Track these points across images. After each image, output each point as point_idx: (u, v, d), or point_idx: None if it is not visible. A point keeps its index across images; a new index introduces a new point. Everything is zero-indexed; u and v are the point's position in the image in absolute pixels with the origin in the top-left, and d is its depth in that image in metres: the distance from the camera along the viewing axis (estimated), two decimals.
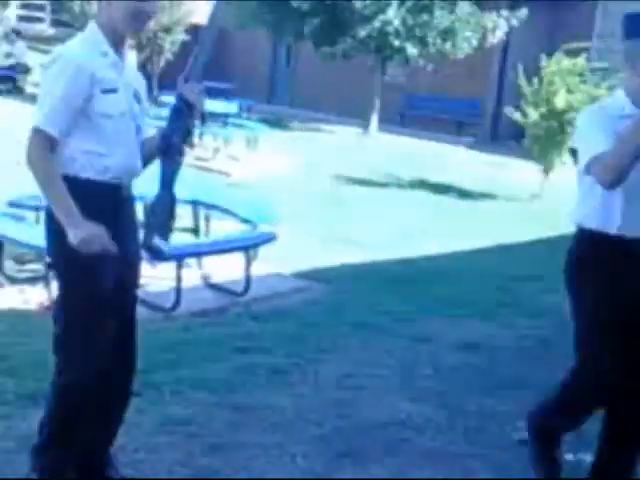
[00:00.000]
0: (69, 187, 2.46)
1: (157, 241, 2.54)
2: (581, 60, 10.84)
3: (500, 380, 4.11)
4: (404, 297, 5.73)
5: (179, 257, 5.04)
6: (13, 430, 3.14)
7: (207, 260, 5.92)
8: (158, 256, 2.59)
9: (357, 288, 5.97)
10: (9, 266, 5.75)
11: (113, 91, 2.53)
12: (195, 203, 6.45)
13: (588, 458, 3.05)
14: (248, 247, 5.64)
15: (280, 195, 8.71)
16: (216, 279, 5.83)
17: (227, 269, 5.82)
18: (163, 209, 2.61)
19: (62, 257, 2.55)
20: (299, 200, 9.37)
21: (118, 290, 2.59)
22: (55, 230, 2.49)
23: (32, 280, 5.46)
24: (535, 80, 10.99)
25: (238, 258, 5.72)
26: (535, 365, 4.34)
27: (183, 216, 6.42)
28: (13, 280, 5.57)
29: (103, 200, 2.54)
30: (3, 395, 3.50)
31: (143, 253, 2.69)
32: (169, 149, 2.60)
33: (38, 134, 2.45)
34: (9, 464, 2.87)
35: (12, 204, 6.07)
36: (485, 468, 3.12)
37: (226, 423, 3.41)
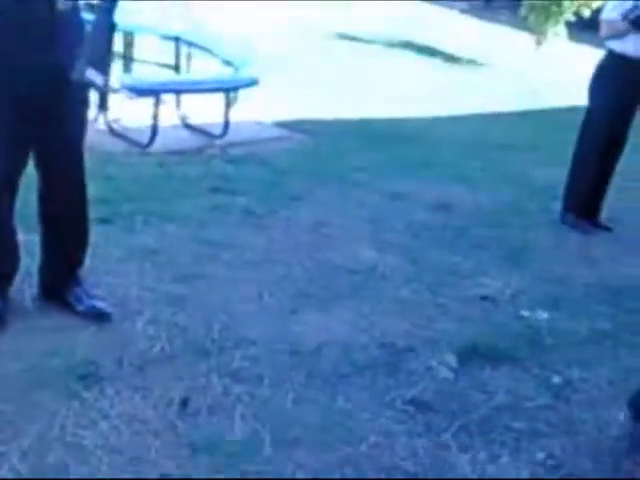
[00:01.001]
0: None
1: (90, 72, 2.31)
2: None
3: (468, 239, 4.18)
4: (383, 155, 5.71)
5: (157, 92, 4.92)
6: None
7: (186, 100, 5.80)
8: (97, 89, 2.44)
9: (337, 142, 5.92)
10: None
11: None
12: (177, 39, 6.24)
13: None
14: (229, 89, 5.51)
15: (264, 45, 8.46)
16: (194, 121, 5.73)
17: (206, 111, 5.71)
18: (100, 38, 2.36)
19: None
20: (284, 51, 9.12)
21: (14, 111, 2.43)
22: None
23: None
24: None
25: (218, 101, 5.61)
26: (504, 228, 4.41)
27: (165, 52, 6.24)
28: None
29: None
30: None
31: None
32: None
33: None
34: None
35: None
36: (445, 318, 3.21)
37: (195, 256, 3.45)
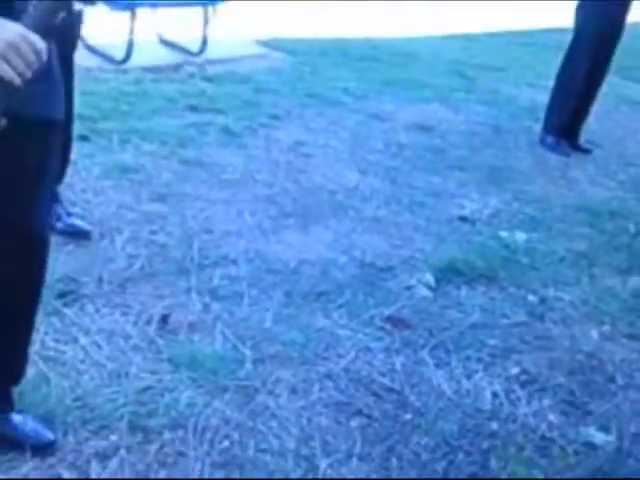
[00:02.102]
0: None
1: None
2: None
3: (448, 161, 4.17)
4: (364, 75, 5.63)
5: (133, 6, 4.79)
6: None
7: (163, 15, 5.65)
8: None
9: (317, 61, 5.82)
10: None
11: None
12: None
13: None
14: (207, 3, 5.37)
15: None
16: (171, 37, 5.60)
17: (183, 28, 5.57)
18: None
19: None
20: None
21: None
22: None
23: None
24: None
25: (196, 16, 5.47)
26: (484, 150, 4.40)
27: None
28: None
29: None
30: None
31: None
32: None
33: None
34: None
35: None
36: (424, 238, 3.23)
37: (174, 174, 3.42)
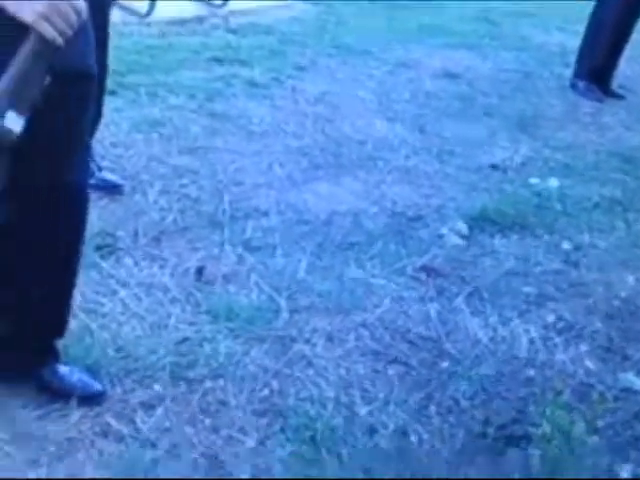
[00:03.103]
0: None
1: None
2: None
3: (477, 108, 4.11)
4: (390, 23, 5.55)
5: None
6: None
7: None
8: None
9: (342, 10, 5.74)
10: None
11: None
12: None
13: None
14: None
15: None
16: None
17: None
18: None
19: None
20: None
21: None
22: None
23: None
24: None
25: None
26: (514, 96, 4.33)
27: None
28: None
29: None
30: None
31: None
32: None
33: None
34: None
35: None
36: (455, 187, 3.20)
37: (203, 128, 3.41)
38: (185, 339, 2.05)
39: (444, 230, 2.83)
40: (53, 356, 1.77)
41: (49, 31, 1.33)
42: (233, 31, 4.97)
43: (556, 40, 5.45)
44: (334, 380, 2.00)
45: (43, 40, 1.34)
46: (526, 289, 2.52)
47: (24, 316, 1.71)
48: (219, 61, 4.30)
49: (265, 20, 5.28)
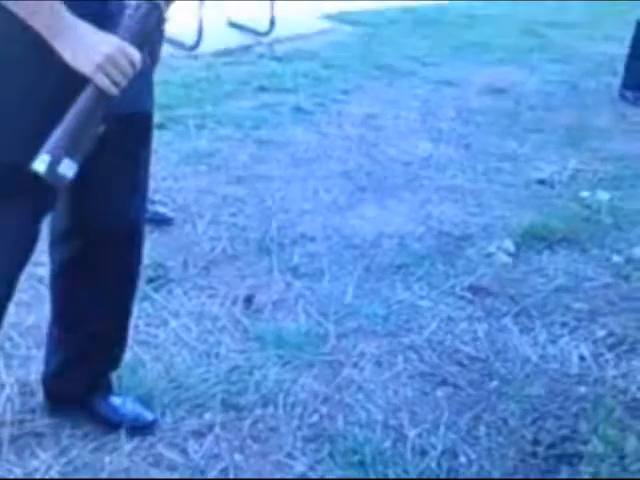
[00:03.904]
0: None
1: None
2: None
3: (523, 123, 4.10)
4: (433, 41, 5.58)
5: None
6: None
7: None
8: None
9: (385, 31, 5.79)
10: None
11: None
12: None
13: None
14: None
15: None
16: (239, 19, 5.65)
17: (251, 9, 5.62)
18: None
19: None
20: None
21: None
22: None
23: None
24: None
25: None
26: (561, 109, 4.31)
27: None
28: None
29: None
30: None
31: None
32: None
33: None
34: None
35: None
36: (502, 204, 3.20)
37: (250, 156, 3.48)
38: (235, 367, 2.10)
39: (492, 249, 2.82)
40: (107, 387, 1.83)
41: (105, 82, 1.38)
42: (278, 59, 5.06)
43: (602, 50, 5.40)
44: (382, 404, 2.02)
45: (99, 90, 1.39)
46: (576, 305, 2.49)
47: (82, 350, 1.78)
48: (265, 89, 4.38)
49: (309, 46, 5.37)
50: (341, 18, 6.03)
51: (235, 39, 5.44)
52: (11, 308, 2.28)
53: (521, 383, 2.12)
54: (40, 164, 1.36)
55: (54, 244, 1.73)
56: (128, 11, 1.44)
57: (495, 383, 2.13)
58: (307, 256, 2.71)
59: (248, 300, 2.42)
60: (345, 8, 6.22)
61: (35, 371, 2.00)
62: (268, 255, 2.70)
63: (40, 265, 2.52)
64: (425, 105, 4.33)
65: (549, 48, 5.52)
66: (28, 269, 2.49)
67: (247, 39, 5.45)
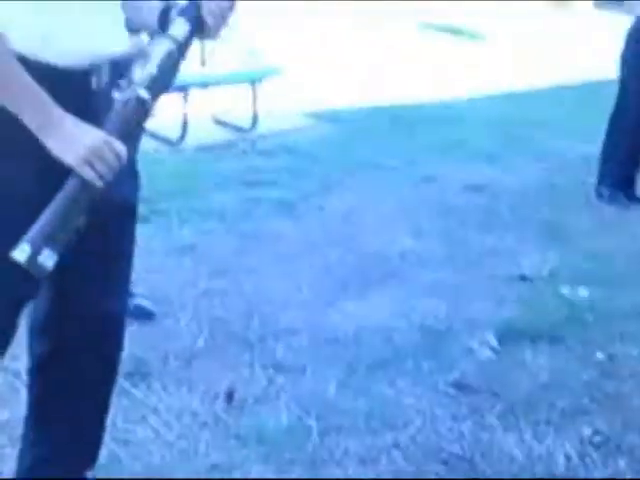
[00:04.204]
0: None
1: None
2: None
3: (503, 220, 4.16)
4: (411, 139, 5.71)
5: (185, 88, 4.97)
6: None
7: (214, 95, 5.85)
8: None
9: (366, 129, 5.93)
10: None
11: None
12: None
13: None
14: (254, 79, 5.55)
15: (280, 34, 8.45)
16: (223, 115, 5.77)
17: (233, 105, 5.75)
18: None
19: None
20: (302, 38, 9.11)
21: None
22: None
23: None
24: None
25: (244, 94, 5.64)
26: (539, 207, 4.38)
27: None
28: None
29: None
30: None
31: None
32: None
33: None
34: None
35: None
36: (483, 299, 3.21)
37: (233, 249, 3.50)
38: (215, 465, 2.04)
39: (474, 344, 2.81)
40: None
41: (90, 175, 1.39)
42: (262, 153, 5.15)
43: (577, 148, 5.54)
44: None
45: (83, 182, 1.41)
46: (560, 402, 2.47)
47: (57, 447, 1.72)
48: (249, 184, 4.43)
49: (292, 140, 5.47)
50: (322, 115, 6.18)
51: (219, 134, 5.54)
52: None
53: None
54: (20, 253, 1.37)
55: (33, 336, 1.70)
56: (116, 106, 1.47)
57: None
58: (289, 350, 2.69)
59: (229, 395, 2.38)
60: (325, 106, 6.38)
61: (8, 469, 1.94)
62: (250, 349, 2.67)
63: (16, 359, 2.48)
64: (405, 201, 4.39)
65: (524, 147, 5.66)
66: (4, 363, 2.45)
67: (231, 134, 5.55)
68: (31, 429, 1.75)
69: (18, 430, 2.05)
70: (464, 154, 5.35)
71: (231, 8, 1.60)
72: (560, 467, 2.16)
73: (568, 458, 2.20)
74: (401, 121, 6.18)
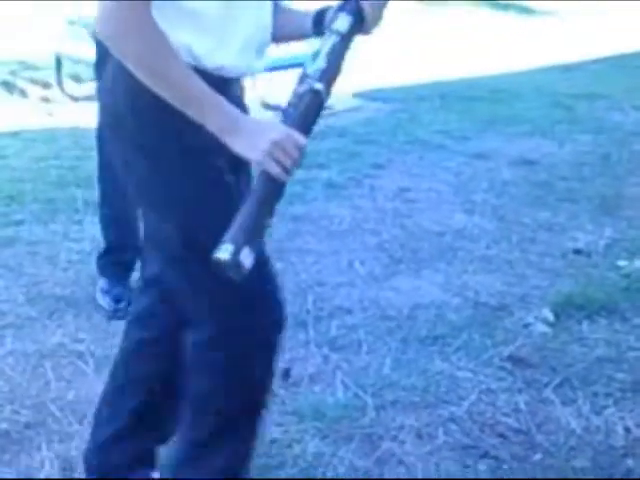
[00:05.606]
0: None
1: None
2: None
3: (557, 194, 4.10)
4: (463, 116, 5.65)
5: None
6: (86, 233, 3.38)
7: (262, 81, 5.87)
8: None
9: (415, 107, 5.88)
10: (69, 84, 5.85)
11: None
12: None
13: None
14: (302, 62, 5.55)
15: None
16: (271, 100, 5.79)
17: (284, 89, 5.77)
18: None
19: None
20: None
21: None
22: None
23: (91, 98, 5.52)
24: None
25: (292, 78, 5.65)
26: (594, 179, 4.31)
27: None
28: (74, 98, 5.70)
29: None
30: (74, 203, 3.69)
31: None
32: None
33: None
34: (85, 264, 3.09)
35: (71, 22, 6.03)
36: (538, 274, 3.18)
37: (285, 231, 3.52)
38: (273, 440, 2.08)
39: (530, 319, 2.80)
40: (150, 463, 1.81)
41: (276, 170, 1.42)
42: (311, 136, 5.15)
43: (632, 119, 5.42)
44: (424, 477, 1.98)
45: (270, 178, 1.43)
46: (619, 375, 2.45)
47: (133, 423, 1.76)
48: (298, 165, 4.44)
49: (340, 122, 5.46)
50: (370, 95, 6.15)
51: (270, 119, 5.57)
52: (51, 384, 2.31)
53: (565, 456, 2.08)
54: (224, 253, 1.35)
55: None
56: (292, 100, 1.51)
57: (538, 456, 2.08)
58: (344, 328, 2.71)
59: (285, 373, 2.41)
60: (374, 86, 6.34)
61: (75, 447, 2.01)
62: (304, 328, 2.70)
63: (79, 342, 2.56)
64: (457, 178, 4.36)
65: (578, 119, 5.55)
66: (68, 345, 2.54)
67: (279, 119, 5.57)
68: (108, 404, 1.78)
69: (84, 409, 2.14)
70: (516, 129, 5.28)
71: (386, 3, 1.65)
72: (619, 439, 2.14)
73: (627, 430, 2.18)
74: (451, 98, 6.11)
